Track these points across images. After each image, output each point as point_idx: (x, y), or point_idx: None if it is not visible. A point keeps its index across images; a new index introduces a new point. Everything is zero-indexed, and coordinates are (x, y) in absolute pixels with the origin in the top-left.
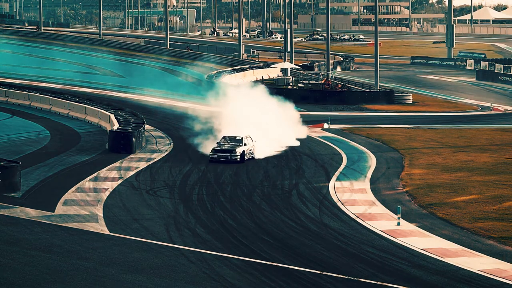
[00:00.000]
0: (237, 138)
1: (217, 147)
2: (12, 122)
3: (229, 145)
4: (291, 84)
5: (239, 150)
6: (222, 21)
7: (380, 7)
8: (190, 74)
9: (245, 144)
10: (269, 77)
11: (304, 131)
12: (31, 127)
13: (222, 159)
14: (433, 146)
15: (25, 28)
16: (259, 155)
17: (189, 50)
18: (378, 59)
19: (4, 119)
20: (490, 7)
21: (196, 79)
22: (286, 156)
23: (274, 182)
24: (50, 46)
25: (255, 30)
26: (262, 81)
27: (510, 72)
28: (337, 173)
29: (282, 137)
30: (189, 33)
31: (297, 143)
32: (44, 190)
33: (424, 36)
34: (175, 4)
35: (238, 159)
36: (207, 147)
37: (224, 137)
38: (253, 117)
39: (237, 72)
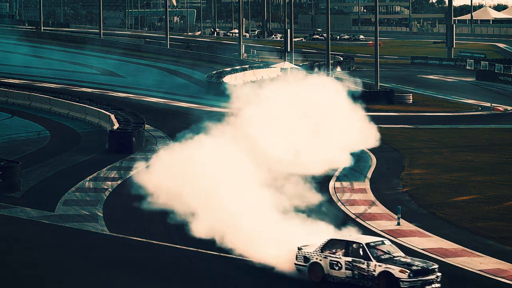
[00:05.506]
0: (388, 244)
1: (413, 267)
2: (12, 122)
3: (419, 263)
4: None
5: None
6: (222, 21)
7: (380, 7)
8: (190, 74)
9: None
10: (269, 77)
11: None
12: (31, 127)
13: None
14: (433, 146)
15: (25, 28)
16: None
17: (189, 50)
18: (378, 59)
19: (4, 119)
20: (490, 7)
21: (196, 78)
22: None
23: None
24: (50, 46)
25: (255, 30)
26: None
27: (510, 72)
28: (337, 173)
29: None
30: (189, 33)
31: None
32: (44, 190)
33: (424, 36)
34: (175, 4)
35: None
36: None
37: (373, 247)
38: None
39: (237, 72)
